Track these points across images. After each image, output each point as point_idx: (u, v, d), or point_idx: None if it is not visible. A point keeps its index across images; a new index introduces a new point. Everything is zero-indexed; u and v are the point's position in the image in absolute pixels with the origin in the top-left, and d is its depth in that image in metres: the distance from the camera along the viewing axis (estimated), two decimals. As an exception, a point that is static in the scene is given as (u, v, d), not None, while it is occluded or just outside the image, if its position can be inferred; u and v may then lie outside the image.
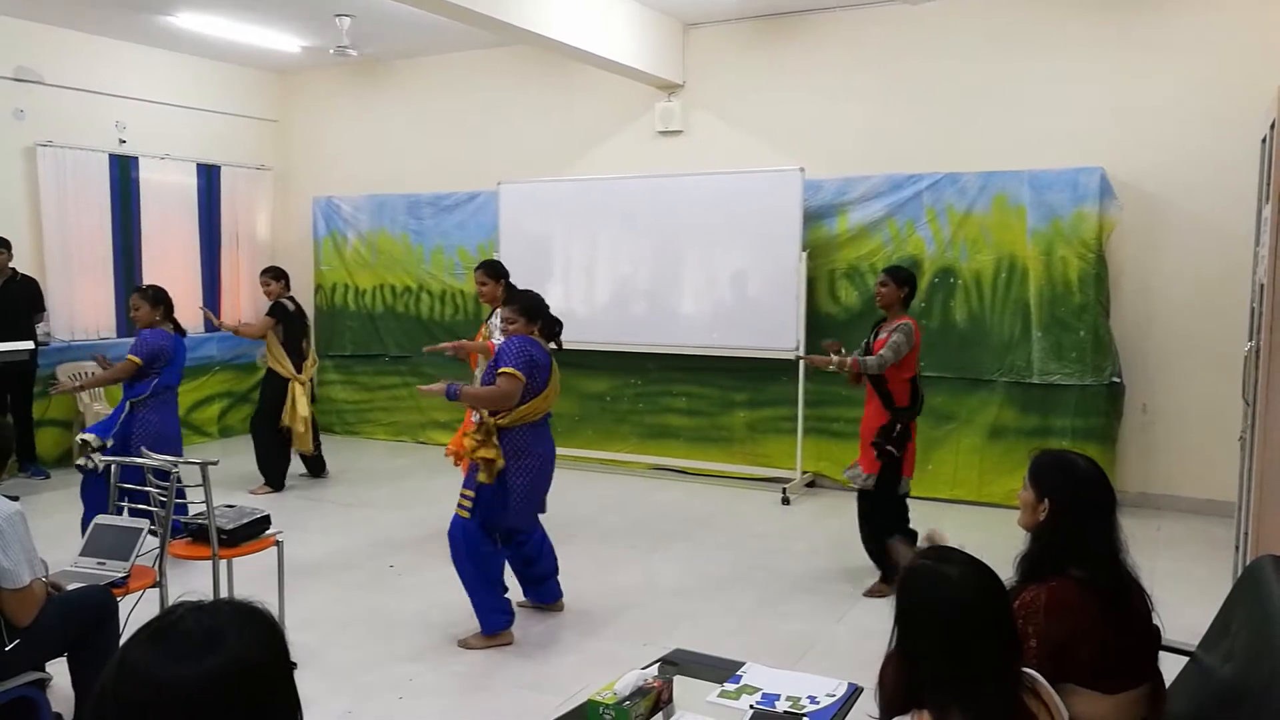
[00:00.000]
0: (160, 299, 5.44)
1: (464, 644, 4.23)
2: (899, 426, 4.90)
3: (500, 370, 4.08)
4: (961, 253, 6.69)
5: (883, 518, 4.88)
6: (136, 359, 5.26)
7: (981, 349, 6.62)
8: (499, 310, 5.06)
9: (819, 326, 7.03)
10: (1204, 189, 6.26)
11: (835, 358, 4.93)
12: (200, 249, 9.09)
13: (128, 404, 5.27)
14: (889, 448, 4.86)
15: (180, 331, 5.54)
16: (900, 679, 1.85)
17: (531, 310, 4.32)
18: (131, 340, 5.43)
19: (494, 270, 5.56)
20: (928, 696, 1.76)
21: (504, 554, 4.35)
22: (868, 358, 4.87)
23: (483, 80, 8.66)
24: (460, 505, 4.18)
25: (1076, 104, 6.56)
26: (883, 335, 4.94)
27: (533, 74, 8.37)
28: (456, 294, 8.58)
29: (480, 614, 4.22)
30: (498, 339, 4.93)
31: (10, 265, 7.16)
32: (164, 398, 5.36)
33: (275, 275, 6.98)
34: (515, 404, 4.10)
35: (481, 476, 4.11)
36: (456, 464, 5.24)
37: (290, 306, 6.93)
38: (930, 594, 1.82)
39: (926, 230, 6.77)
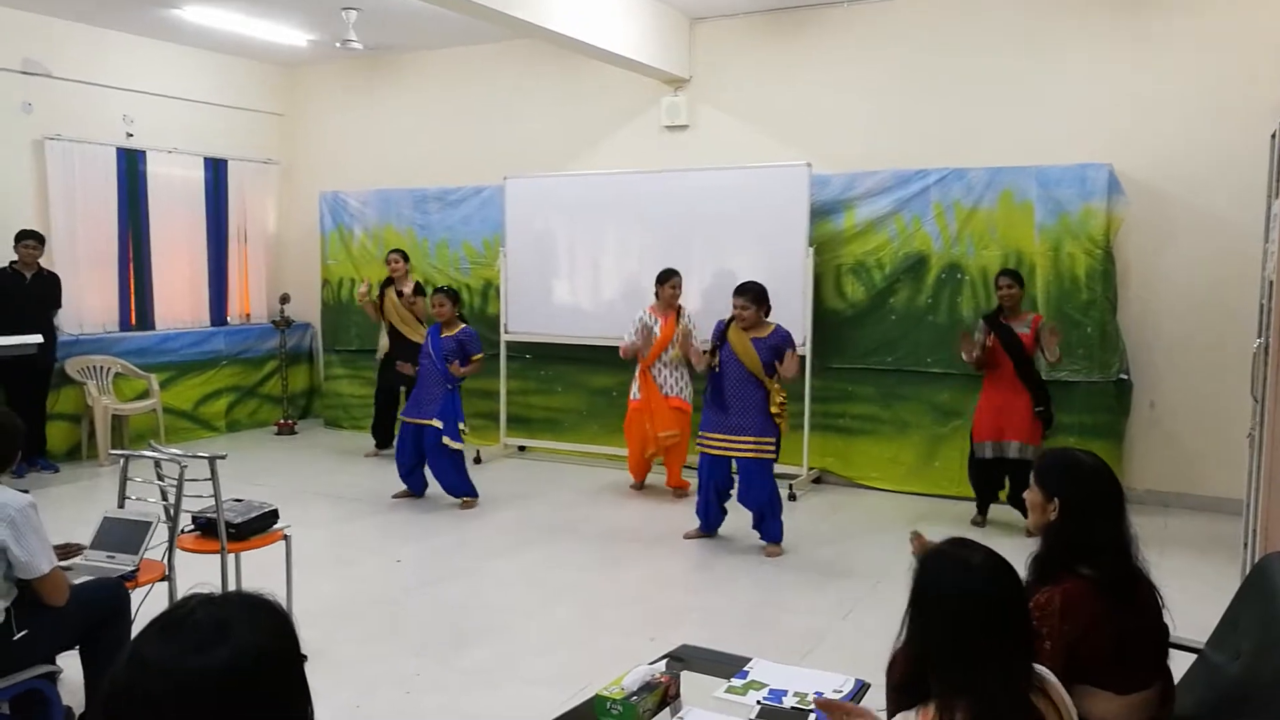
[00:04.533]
0: (458, 299, 6.61)
1: (773, 554, 5.46)
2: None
3: (791, 352, 5.40)
4: (968, 248, 6.67)
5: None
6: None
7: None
8: (686, 314, 6.66)
9: (825, 322, 7.02)
10: (1212, 185, 6.23)
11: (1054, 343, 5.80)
12: (207, 243, 9.11)
13: (450, 386, 6.37)
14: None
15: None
16: (909, 667, 1.84)
17: (762, 297, 5.46)
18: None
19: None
20: (935, 688, 1.75)
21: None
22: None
23: (489, 74, 8.66)
24: (763, 452, 5.42)
25: (1084, 100, 6.53)
26: (1025, 330, 5.82)
27: (539, 68, 8.36)
28: (462, 288, 8.56)
29: (779, 527, 5.51)
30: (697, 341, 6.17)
31: (38, 260, 7.27)
32: None
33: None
34: None
35: (783, 425, 5.52)
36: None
37: None
38: (949, 581, 1.80)
39: (933, 226, 6.75)
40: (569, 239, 7.79)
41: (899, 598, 1.87)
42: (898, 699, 1.87)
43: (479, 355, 6.42)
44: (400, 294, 7.67)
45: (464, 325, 6.43)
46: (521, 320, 7.94)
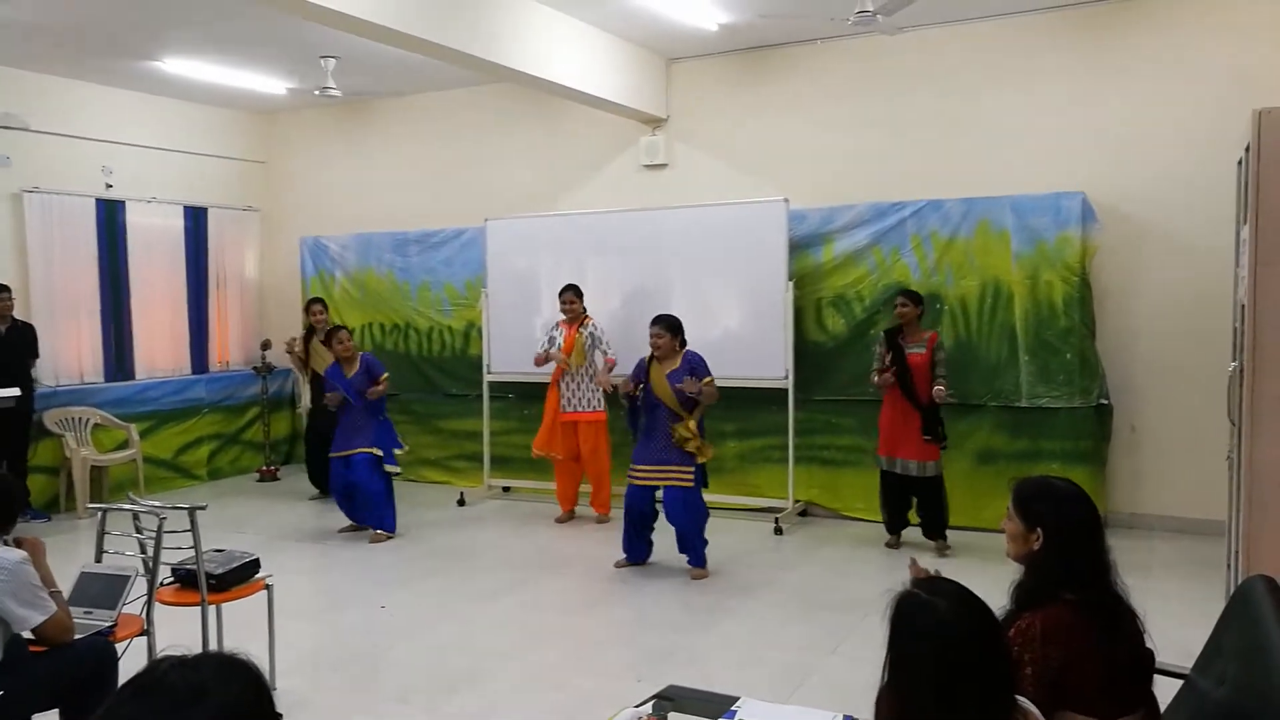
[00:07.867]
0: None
1: (699, 576, 5.65)
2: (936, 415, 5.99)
3: (709, 379, 5.60)
4: (947, 278, 6.73)
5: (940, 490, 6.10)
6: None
7: (969, 373, 6.63)
8: (591, 323, 7.01)
9: (807, 355, 7.06)
10: (1184, 211, 6.33)
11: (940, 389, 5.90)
12: (188, 291, 9.09)
13: (381, 417, 6.72)
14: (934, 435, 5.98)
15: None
16: (892, 713, 1.83)
17: (676, 328, 5.72)
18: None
19: (580, 291, 7.02)
20: None
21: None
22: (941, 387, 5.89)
23: (467, 118, 8.72)
24: (682, 480, 5.63)
25: (1056, 129, 6.64)
26: (919, 350, 5.97)
27: (517, 111, 8.43)
28: (444, 330, 8.58)
29: (701, 553, 5.73)
30: (602, 348, 6.96)
31: (11, 312, 7.26)
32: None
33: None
34: None
35: (702, 458, 5.68)
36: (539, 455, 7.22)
37: None
38: (918, 629, 1.79)
39: (911, 257, 6.82)
40: (550, 279, 7.80)
41: (886, 630, 1.86)
42: None
43: (385, 374, 6.76)
44: (323, 342, 7.66)
45: (361, 354, 6.76)
46: (504, 360, 7.94)
